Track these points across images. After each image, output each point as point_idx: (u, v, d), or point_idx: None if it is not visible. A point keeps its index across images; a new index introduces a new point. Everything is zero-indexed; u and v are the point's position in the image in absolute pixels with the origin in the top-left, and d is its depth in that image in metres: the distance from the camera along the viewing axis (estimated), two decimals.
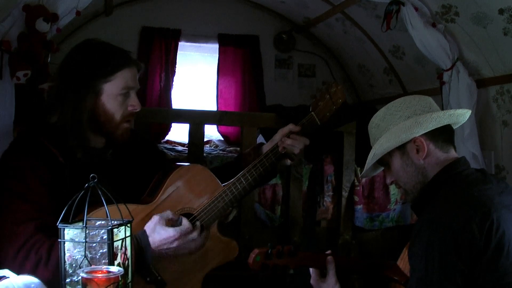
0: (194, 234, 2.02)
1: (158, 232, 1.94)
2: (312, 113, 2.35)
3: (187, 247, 2.01)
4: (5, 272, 1.61)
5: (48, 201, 1.92)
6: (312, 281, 1.99)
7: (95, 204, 1.65)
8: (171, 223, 1.99)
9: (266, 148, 2.39)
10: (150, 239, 1.92)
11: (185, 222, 2.01)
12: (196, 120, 3.38)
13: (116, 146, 2.16)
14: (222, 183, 2.25)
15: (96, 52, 2.07)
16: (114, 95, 2.04)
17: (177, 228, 1.96)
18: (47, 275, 1.79)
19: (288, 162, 2.38)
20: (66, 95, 2.02)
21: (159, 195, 2.11)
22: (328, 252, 2.01)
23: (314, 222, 3.67)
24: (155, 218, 1.97)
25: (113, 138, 2.11)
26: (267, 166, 2.29)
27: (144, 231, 1.94)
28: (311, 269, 1.99)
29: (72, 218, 1.58)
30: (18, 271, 1.75)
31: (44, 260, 1.82)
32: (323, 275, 1.96)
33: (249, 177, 2.25)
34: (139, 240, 1.91)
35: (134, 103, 2.10)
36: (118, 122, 2.07)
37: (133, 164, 2.23)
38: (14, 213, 1.87)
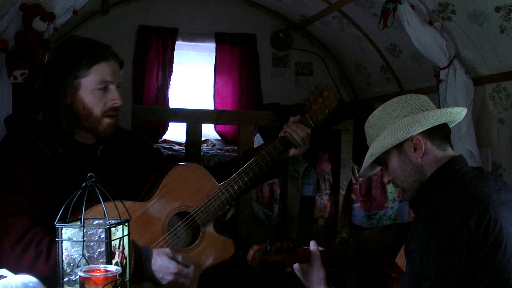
0: (189, 281, 2.05)
1: (162, 259, 1.97)
2: (306, 115, 2.42)
3: (177, 285, 2.03)
4: (3, 271, 1.61)
5: (39, 195, 1.94)
6: (297, 271, 2.00)
7: (89, 202, 1.65)
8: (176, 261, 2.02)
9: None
10: (153, 260, 1.95)
11: (191, 267, 2.05)
12: (193, 119, 3.37)
13: (106, 143, 2.17)
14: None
15: (72, 48, 2.09)
16: (92, 89, 2.05)
17: (180, 266, 2.00)
18: (46, 271, 1.80)
19: (293, 151, 2.40)
20: (48, 92, 2.05)
21: (156, 193, 2.12)
22: (322, 248, 2.01)
23: (310, 220, 3.67)
24: (167, 250, 2.02)
25: (96, 133, 2.12)
26: (262, 166, 2.32)
27: (149, 250, 1.97)
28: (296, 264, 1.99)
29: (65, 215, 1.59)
30: (16, 264, 1.77)
31: (45, 255, 1.83)
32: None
33: (245, 177, 2.28)
34: (141, 254, 1.92)
35: (114, 97, 2.10)
36: (99, 117, 2.08)
37: (125, 161, 2.24)
38: (7, 207, 1.89)
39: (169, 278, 1.97)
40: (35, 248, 1.84)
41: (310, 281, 1.96)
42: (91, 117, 2.07)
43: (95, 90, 2.05)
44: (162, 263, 1.96)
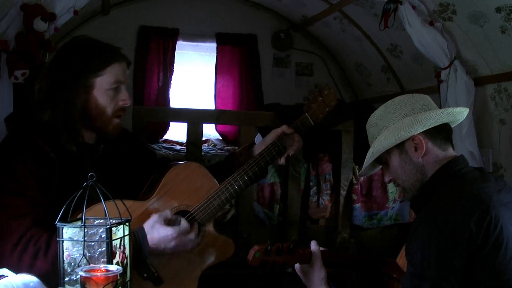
0: (192, 235, 2.04)
1: (157, 230, 1.96)
2: (306, 114, 2.41)
3: (184, 247, 2.03)
4: (4, 271, 1.62)
5: (41, 196, 1.93)
6: (298, 272, 2.00)
7: (90, 201, 1.65)
8: (169, 223, 2.00)
9: (258, 148, 2.41)
10: (149, 237, 1.93)
11: (183, 222, 2.04)
12: (194, 119, 3.37)
13: (107, 142, 2.17)
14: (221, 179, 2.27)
15: (86, 48, 2.09)
16: (105, 89, 2.06)
17: (176, 228, 1.99)
18: (46, 266, 1.79)
19: (282, 161, 2.40)
20: (57, 92, 2.03)
21: (155, 192, 2.12)
22: (324, 249, 2.01)
23: (309, 220, 3.67)
24: (154, 217, 1.99)
25: (104, 133, 2.12)
26: (262, 165, 2.33)
27: (142, 228, 1.95)
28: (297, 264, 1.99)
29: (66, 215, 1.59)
30: (17, 265, 1.77)
31: (43, 250, 1.83)
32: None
33: (245, 176, 2.28)
34: (137, 237, 1.91)
35: (125, 97, 2.12)
36: (110, 117, 2.09)
37: (124, 160, 2.24)
38: (8, 208, 1.88)
39: (173, 243, 1.97)
40: (33, 246, 1.84)
41: (311, 282, 1.96)
42: (103, 117, 2.08)
43: (109, 90, 2.06)
44: (159, 235, 1.95)
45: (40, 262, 1.82)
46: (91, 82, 2.04)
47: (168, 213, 2.02)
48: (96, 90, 2.05)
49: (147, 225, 1.97)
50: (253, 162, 2.32)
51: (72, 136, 2.05)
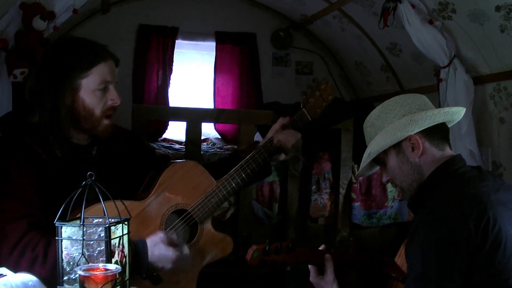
0: (190, 260, 2.04)
1: (159, 248, 1.95)
2: (303, 109, 2.41)
3: (179, 270, 2.02)
4: (3, 270, 1.61)
5: (36, 198, 1.92)
6: (311, 278, 1.99)
7: (86, 202, 1.65)
8: (173, 244, 2.00)
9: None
10: (150, 252, 1.93)
11: (186, 249, 2.03)
12: (193, 118, 3.37)
13: (101, 143, 2.16)
14: (216, 179, 2.26)
15: (70, 48, 2.06)
16: (92, 90, 2.02)
17: (178, 251, 1.97)
18: (44, 273, 1.78)
19: (283, 156, 2.39)
20: (45, 94, 2.00)
21: (153, 191, 2.12)
22: (322, 247, 2.01)
23: (307, 219, 3.67)
24: (160, 235, 1.99)
25: (95, 134, 2.10)
26: (260, 161, 2.31)
27: (145, 242, 1.95)
28: (310, 266, 1.99)
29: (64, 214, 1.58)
30: (14, 269, 1.75)
31: (41, 258, 1.82)
32: (321, 272, 1.96)
33: (242, 173, 2.27)
34: (137, 247, 1.91)
35: (113, 97, 2.07)
36: (99, 118, 2.05)
37: (120, 160, 2.22)
38: (4, 211, 1.87)
39: (170, 266, 1.96)
40: (31, 252, 1.83)
41: None
42: (92, 117, 2.05)
43: (96, 91, 2.03)
44: (160, 253, 1.94)
45: (39, 269, 1.81)
46: (77, 84, 2.00)
47: (174, 236, 2.02)
48: (82, 91, 2.01)
49: (150, 241, 1.96)
50: (250, 158, 2.30)
51: (59, 139, 2.01)
